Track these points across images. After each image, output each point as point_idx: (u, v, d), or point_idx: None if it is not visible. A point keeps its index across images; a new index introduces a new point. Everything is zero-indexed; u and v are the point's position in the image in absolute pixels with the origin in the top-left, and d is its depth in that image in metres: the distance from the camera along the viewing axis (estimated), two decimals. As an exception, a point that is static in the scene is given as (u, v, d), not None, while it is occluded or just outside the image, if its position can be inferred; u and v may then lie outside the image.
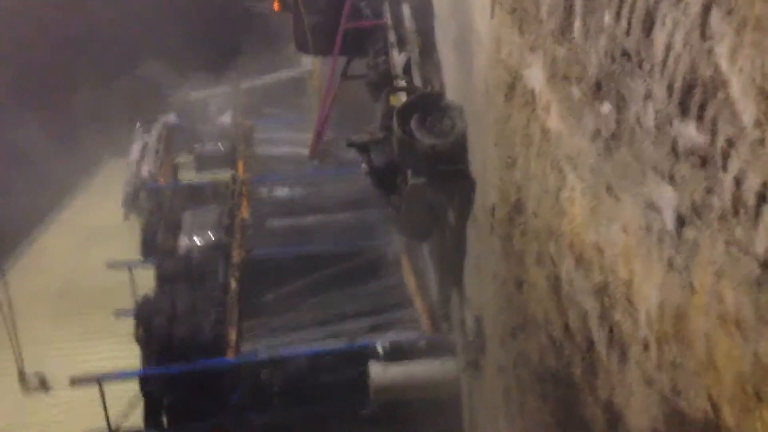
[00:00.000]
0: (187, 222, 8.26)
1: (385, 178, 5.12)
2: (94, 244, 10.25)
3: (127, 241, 9.16)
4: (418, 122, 4.57)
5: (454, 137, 4.53)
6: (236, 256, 7.16)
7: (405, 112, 4.67)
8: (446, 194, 4.68)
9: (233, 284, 6.76)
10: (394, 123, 4.68)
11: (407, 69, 5.69)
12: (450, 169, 4.54)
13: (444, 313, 5.59)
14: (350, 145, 5.55)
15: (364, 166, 5.40)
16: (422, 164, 4.58)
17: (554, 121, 2.91)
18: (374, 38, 6.37)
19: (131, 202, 9.49)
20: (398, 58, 5.98)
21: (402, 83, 5.66)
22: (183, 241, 7.90)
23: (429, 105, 4.70)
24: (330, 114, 7.02)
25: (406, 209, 4.95)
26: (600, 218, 2.48)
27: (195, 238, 7.80)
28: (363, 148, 5.34)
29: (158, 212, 8.77)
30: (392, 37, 6.14)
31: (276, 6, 8.23)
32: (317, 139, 7.34)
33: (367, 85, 6.38)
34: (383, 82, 5.83)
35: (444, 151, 4.52)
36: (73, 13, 11.29)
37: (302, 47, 7.14)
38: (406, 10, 6.08)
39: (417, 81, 5.54)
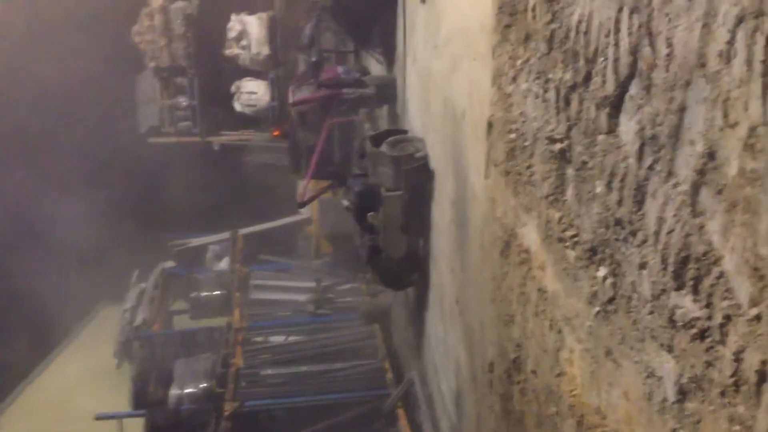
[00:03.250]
0: (180, 371, 8.12)
1: (363, 204, 5.88)
2: (84, 393, 10.03)
3: (118, 390, 8.99)
4: (387, 145, 5.63)
5: (419, 155, 5.54)
6: (228, 407, 6.98)
7: (377, 138, 5.87)
8: (413, 188, 5.57)
9: (224, 438, 6.56)
10: (368, 144, 5.86)
11: None
12: (414, 166, 5.51)
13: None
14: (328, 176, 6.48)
15: (344, 201, 6.14)
16: (391, 168, 5.55)
17: (550, 281, 2.93)
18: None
19: (124, 351, 9.38)
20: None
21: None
22: (174, 392, 7.74)
23: (397, 136, 5.88)
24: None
25: (382, 229, 5.68)
26: (600, 382, 2.45)
27: (187, 389, 7.65)
28: (343, 180, 6.30)
29: (150, 361, 8.65)
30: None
31: (276, 133, 8.82)
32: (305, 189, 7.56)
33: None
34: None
35: (409, 155, 5.57)
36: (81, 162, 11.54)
37: (297, 170, 7.82)
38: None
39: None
